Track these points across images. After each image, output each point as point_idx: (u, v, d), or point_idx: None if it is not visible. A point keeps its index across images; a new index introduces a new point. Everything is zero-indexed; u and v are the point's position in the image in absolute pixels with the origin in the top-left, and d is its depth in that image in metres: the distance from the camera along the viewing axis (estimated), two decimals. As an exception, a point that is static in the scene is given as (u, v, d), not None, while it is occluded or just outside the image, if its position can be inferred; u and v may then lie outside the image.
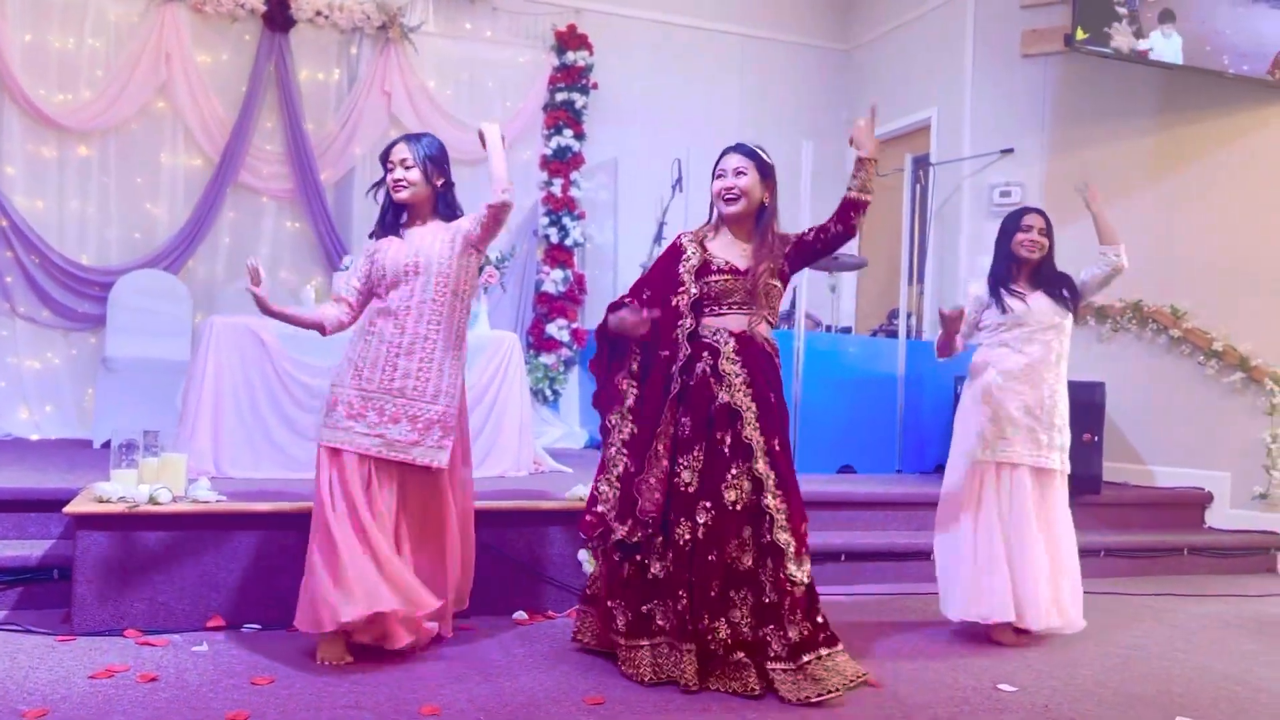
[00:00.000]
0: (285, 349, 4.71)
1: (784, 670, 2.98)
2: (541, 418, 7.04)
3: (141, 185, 6.60)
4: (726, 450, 3.09)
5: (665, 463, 3.13)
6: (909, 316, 6.78)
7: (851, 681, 2.98)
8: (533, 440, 5.46)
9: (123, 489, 3.49)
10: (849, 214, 3.21)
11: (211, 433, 4.55)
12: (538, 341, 7.30)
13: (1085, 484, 5.50)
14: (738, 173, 3.25)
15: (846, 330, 7.26)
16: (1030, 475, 3.78)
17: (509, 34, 7.44)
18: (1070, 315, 3.92)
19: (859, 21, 8.27)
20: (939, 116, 7.27)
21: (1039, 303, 3.87)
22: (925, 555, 4.84)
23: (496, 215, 3.27)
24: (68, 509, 3.45)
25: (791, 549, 3.03)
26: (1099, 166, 6.33)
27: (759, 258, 3.20)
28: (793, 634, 2.99)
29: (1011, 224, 3.94)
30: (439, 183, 3.36)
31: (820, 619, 3.06)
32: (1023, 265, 3.92)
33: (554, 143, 7.38)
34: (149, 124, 6.59)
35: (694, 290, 3.19)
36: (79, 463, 4.85)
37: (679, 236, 3.33)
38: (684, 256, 3.24)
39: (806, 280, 6.72)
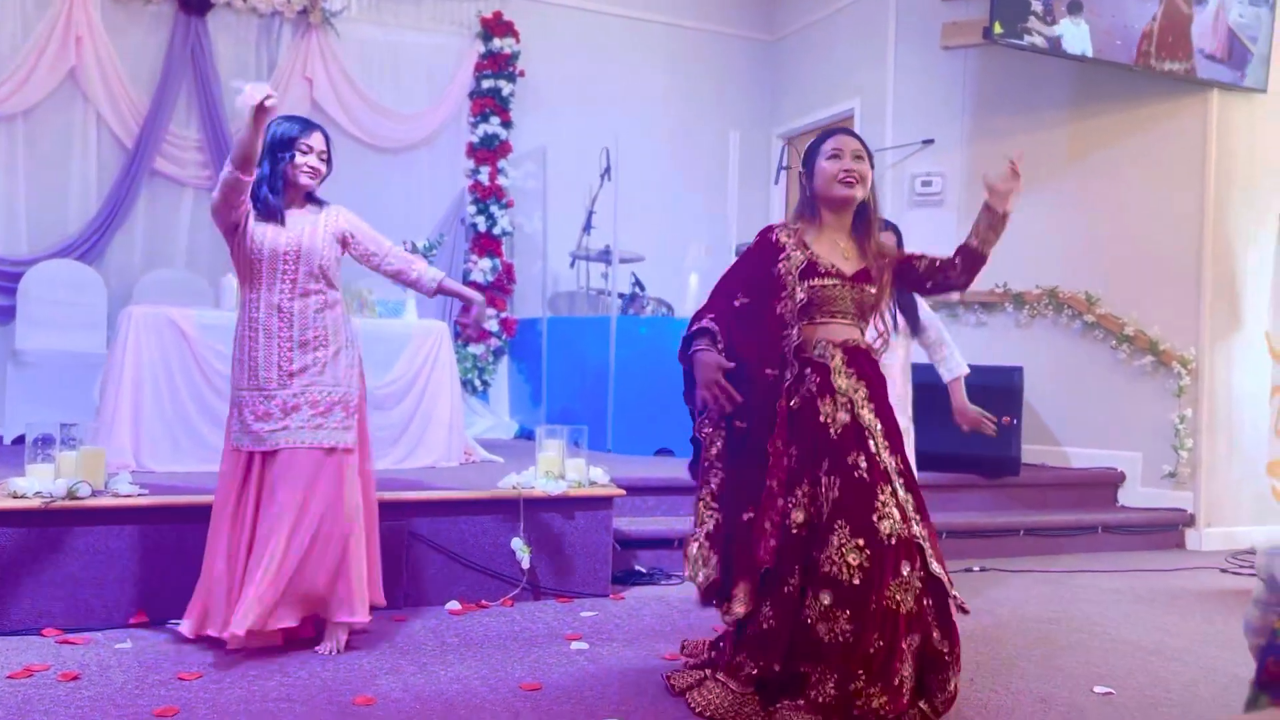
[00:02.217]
0: (206, 339, 4.61)
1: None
2: (471, 408, 6.99)
3: (52, 173, 6.37)
4: (865, 475, 2.63)
5: (780, 502, 2.67)
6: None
7: None
8: (464, 430, 5.43)
9: (39, 484, 3.38)
10: (973, 270, 2.86)
11: (131, 426, 4.43)
12: (466, 331, 7.23)
13: (1004, 466, 5.67)
14: (857, 156, 2.80)
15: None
16: None
17: (433, 20, 7.35)
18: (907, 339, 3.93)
19: (783, 12, 8.35)
20: (861, 107, 7.37)
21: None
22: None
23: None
24: (-20, 505, 3.33)
25: (946, 581, 2.66)
26: (1016, 157, 6.49)
27: (865, 262, 2.83)
28: (952, 685, 2.67)
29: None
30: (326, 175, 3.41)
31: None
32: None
33: (480, 130, 7.31)
34: (59, 109, 6.36)
35: (801, 296, 2.75)
36: (-10, 459, 4.69)
37: (771, 230, 2.87)
38: (783, 255, 2.78)
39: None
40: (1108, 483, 6.05)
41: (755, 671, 2.65)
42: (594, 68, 7.75)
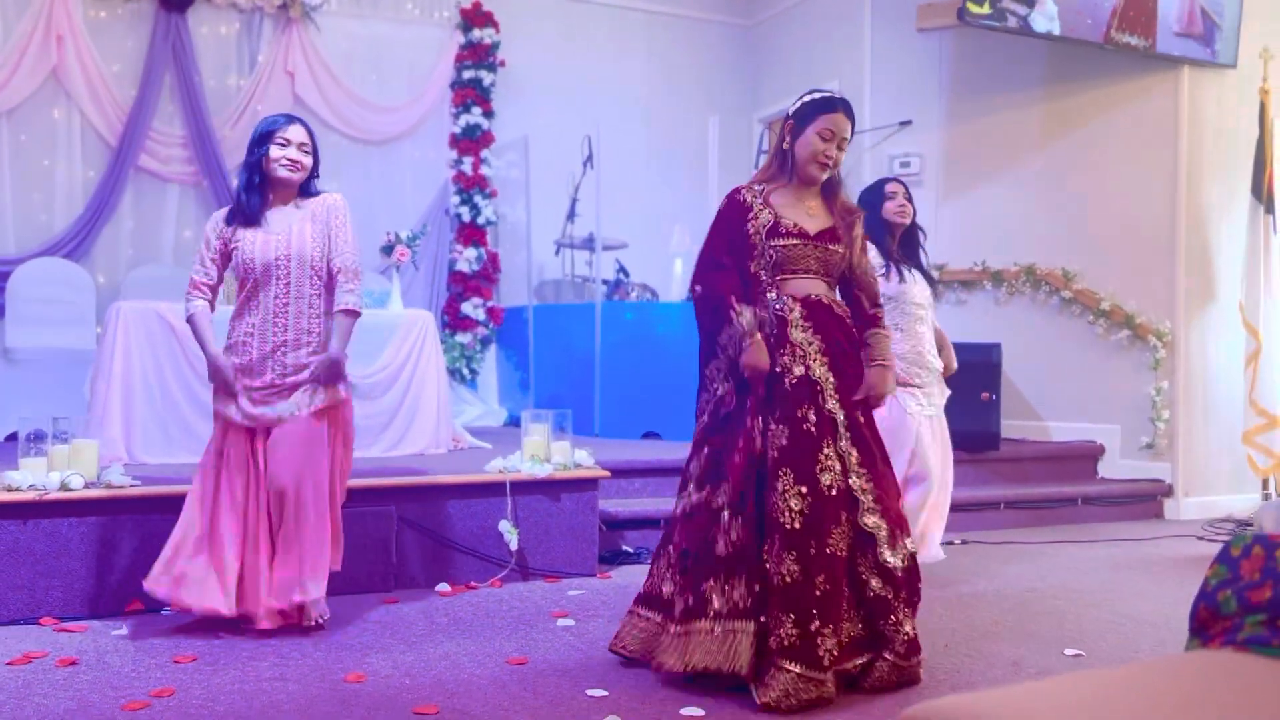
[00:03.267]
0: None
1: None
2: (460, 397, 7.06)
3: (37, 172, 6.41)
4: (813, 429, 2.75)
5: (749, 421, 2.79)
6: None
7: None
8: (451, 417, 5.50)
9: (32, 477, 3.45)
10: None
11: (122, 419, 4.50)
12: (453, 321, 7.30)
13: (984, 441, 5.76)
14: (843, 145, 2.91)
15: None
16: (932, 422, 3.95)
17: (413, 12, 7.39)
18: (933, 291, 4.03)
19: (761, -3, 8.41)
20: (840, 90, 7.43)
21: (918, 283, 3.91)
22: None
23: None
24: (-25, 499, 3.40)
25: (883, 533, 2.78)
26: (992, 136, 6.58)
27: (832, 220, 2.92)
28: (907, 628, 2.78)
29: (874, 195, 3.93)
30: (315, 172, 3.38)
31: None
32: (894, 232, 3.93)
33: (462, 121, 7.36)
34: (42, 109, 6.40)
35: (770, 253, 2.85)
36: (-17, 456, 4.74)
37: (738, 192, 2.94)
38: (751, 215, 2.87)
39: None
40: (1087, 455, 6.15)
41: (724, 598, 2.71)
42: (574, 56, 7.80)
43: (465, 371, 7.30)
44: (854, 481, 2.77)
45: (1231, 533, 5.29)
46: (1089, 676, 1.28)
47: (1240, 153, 5.99)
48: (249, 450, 3.29)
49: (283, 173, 3.26)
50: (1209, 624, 1.50)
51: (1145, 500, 5.89)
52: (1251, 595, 1.44)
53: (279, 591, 3.20)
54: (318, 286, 3.30)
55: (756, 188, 2.95)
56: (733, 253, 2.88)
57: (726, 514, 2.75)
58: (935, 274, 4.06)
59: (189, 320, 3.37)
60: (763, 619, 2.68)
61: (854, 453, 2.79)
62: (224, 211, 3.37)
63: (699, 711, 2.58)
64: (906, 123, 6.87)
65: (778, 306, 2.84)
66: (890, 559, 2.76)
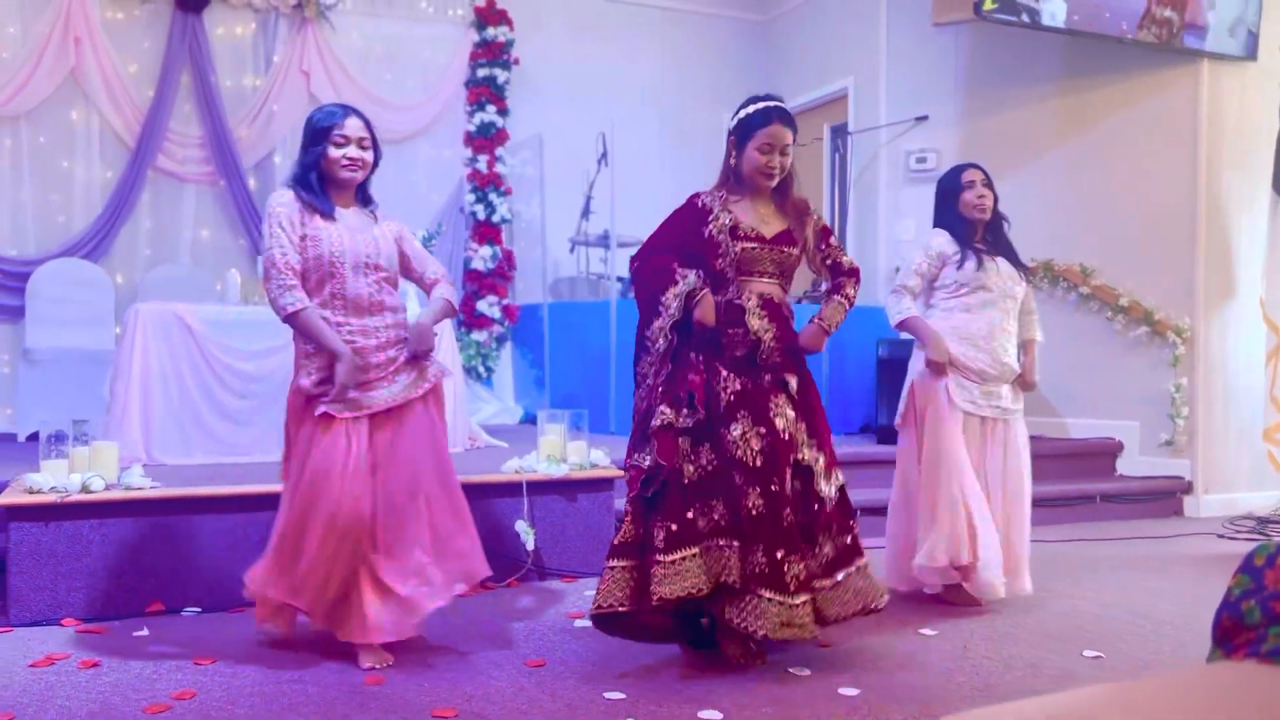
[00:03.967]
0: (212, 334, 4.70)
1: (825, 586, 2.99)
2: (476, 394, 7.08)
3: (56, 173, 6.46)
4: (765, 384, 3.00)
5: (700, 363, 3.00)
6: (832, 282, 6.94)
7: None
8: (468, 416, 5.52)
9: (54, 479, 3.48)
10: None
11: (141, 420, 4.53)
12: (469, 319, 7.32)
13: (1003, 438, 5.71)
14: (785, 151, 3.07)
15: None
16: (989, 424, 3.73)
17: (428, 10, 7.40)
18: (1025, 287, 3.81)
19: (776, -8, 8.39)
20: (855, 85, 7.41)
21: (1002, 267, 3.72)
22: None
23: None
24: (-2, 501, 3.43)
25: (821, 464, 3.03)
26: (1009, 131, 6.54)
27: (786, 223, 3.10)
28: (828, 549, 3.01)
29: (951, 183, 3.77)
30: (375, 165, 3.13)
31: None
32: (974, 228, 3.75)
33: (477, 119, 7.37)
34: (61, 110, 6.45)
35: (734, 251, 3.01)
36: (5, 455, 4.78)
37: (698, 197, 3.11)
38: (711, 217, 3.05)
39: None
40: (1106, 452, 6.12)
41: (697, 525, 2.90)
42: (588, 53, 7.80)
43: (481, 369, 7.32)
44: (793, 430, 3.01)
45: (1252, 530, 5.26)
46: (1109, 689, 1.27)
47: (1261, 147, 5.94)
48: (368, 445, 3.00)
49: (344, 174, 2.99)
50: (1232, 634, 1.48)
51: (1164, 498, 5.85)
52: (1276, 606, 1.42)
53: (464, 573, 3.11)
54: (395, 299, 3.11)
55: (717, 194, 3.10)
56: (679, 250, 3.05)
57: (689, 445, 2.96)
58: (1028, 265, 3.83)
59: (294, 316, 2.89)
60: (737, 543, 2.90)
61: (796, 405, 3.04)
62: (289, 195, 2.99)
63: (717, 715, 2.58)
64: (922, 118, 6.84)
65: (737, 300, 3.03)
66: (825, 489, 3.03)
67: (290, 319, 2.90)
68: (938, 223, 3.85)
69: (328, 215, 2.96)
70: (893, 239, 7.05)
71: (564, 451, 4.18)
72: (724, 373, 2.99)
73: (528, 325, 7.34)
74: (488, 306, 7.31)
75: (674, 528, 2.88)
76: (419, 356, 3.09)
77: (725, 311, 3.02)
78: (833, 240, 3.24)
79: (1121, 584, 4.14)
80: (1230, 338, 5.95)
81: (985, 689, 2.82)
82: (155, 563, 3.57)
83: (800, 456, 3.01)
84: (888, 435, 5.75)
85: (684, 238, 3.07)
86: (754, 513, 2.88)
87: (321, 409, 2.94)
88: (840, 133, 7.27)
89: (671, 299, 2.98)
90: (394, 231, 3.16)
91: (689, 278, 2.98)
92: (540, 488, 4.10)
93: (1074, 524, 5.50)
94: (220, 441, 4.66)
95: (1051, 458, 5.97)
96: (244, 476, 4.05)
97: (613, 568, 2.95)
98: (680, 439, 2.95)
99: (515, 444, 5.36)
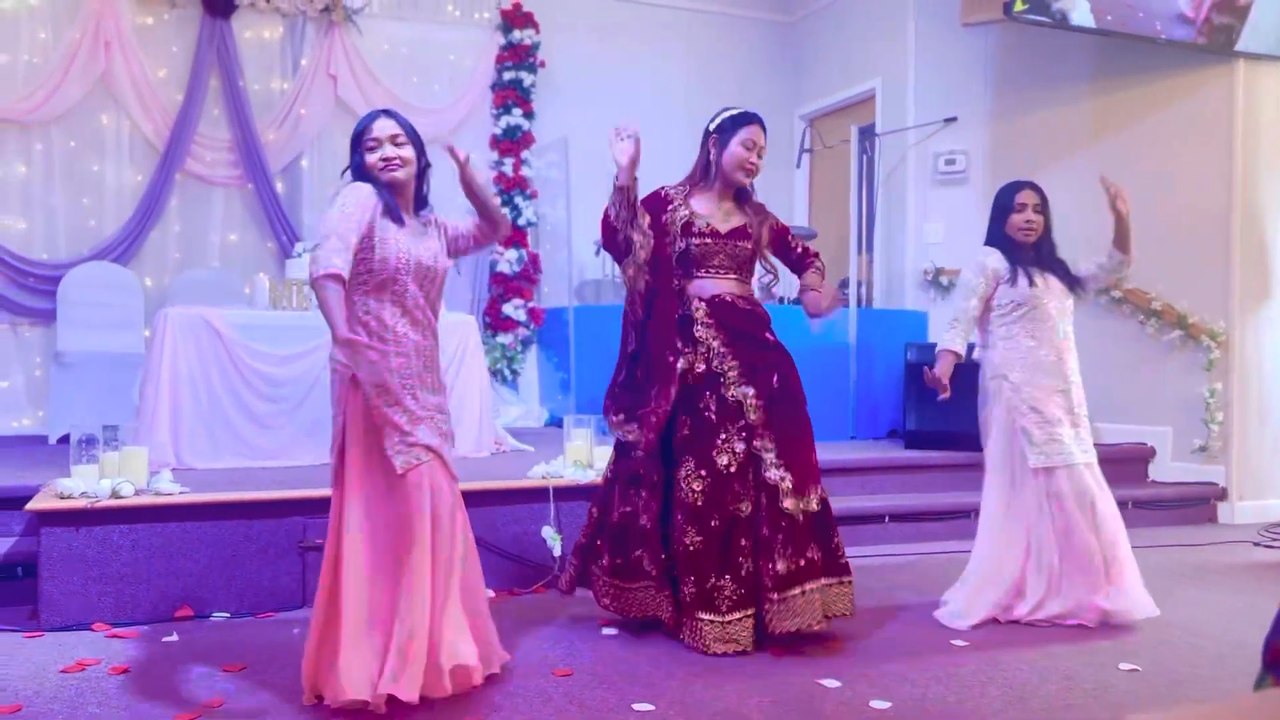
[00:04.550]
0: (241, 338, 4.71)
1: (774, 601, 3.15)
2: (501, 397, 7.08)
3: (86, 177, 6.51)
4: (713, 417, 3.19)
5: (666, 402, 3.23)
6: (859, 285, 6.89)
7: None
8: (493, 420, 5.51)
9: (84, 484, 3.50)
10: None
11: (170, 424, 4.55)
12: (495, 322, 7.32)
13: (1033, 443, 5.65)
14: (762, 153, 3.34)
15: (798, 300, 7.35)
16: (1082, 473, 3.62)
17: (454, 14, 7.41)
18: (1073, 298, 3.75)
19: (803, -7, 8.34)
20: (883, 86, 7.35)
21: (1053, 283, 3.67)
22: (880, 519, 4.99)
23: (482, 243, 3.14)
24: (30, 506, 3.45)
25: (788, 484, 3.17)
26: (1039, 132, 6.47)
27: (744, 219, 3.34)
28: (780, 566, 3.14)
29: (1005, 201, 3.72)
30: (423, 163, 2.97)
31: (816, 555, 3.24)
32: (1021, 250, 3.69)
33: (503, 122, 7.37)
34: (91, 114, 6.49)
35: (680, 245, 3.26)
36: (37, 459, 4.82)
37: (663, 189, 3.38)
38: (671, 207, 3.30)
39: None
40: (1138, 458, 6.04)
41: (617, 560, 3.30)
42: (614, 55, 7.78)
43: (507, 372, 7.31)
44: (758, 444, 3.19)
45: (1289, 538, 5.17)
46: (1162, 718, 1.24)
47: (1297, 148, 5.84)
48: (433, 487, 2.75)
49: (386, 176, 2.84)
50: (1283, 659, 1.44)
51: (1198, 504, 5.77)
52: (1328, 631, 1.38)
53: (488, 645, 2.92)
54: (439, 306, 2.97)
55: (680, 188, 3.37)
56: (649, 212, 3.27)
57: (645, 495, 3.25)
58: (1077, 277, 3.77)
59: (326, 278, 2.57)
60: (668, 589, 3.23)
61: (760, 422, 3.20)
62: (370, 191, 2.80)
63: (747, 727, 2.56)
64: (951, 119, 6.78)
65: (685, 311, 3.26)
66: (789, 507, 3.16)
67: (324, 278, 2.57)
68: (989, 237, 3.79)
69: (400, 221, 2.83)
70: (921, 242, 6.98)
71: (590, 457, 4.17)
72: (680, 417, 3.22)
73: (553, 328, 7.33)
74: (513, 309, 7.30)
75: (619, 561, 3.30)
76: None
77: (679, 325, 3.25)
78: (792, 233, 3.52)
79: (1156, 594, 4.05)
80: (1266, 342, 5.85)
81: (1020, 702, 2.78)
82: (184, 568, 3.58)
83: (765, 475, 3.18)
84: (915, 440, 5.71)
85: (652, 214, 3.29)
86: (691, 549, 3.15)
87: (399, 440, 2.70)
88: (868, 134, 7.21)
89: (617, 198, 3.22)
90: (442, 234, 3.02)
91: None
92: (567, 493, 4.09)
93: (1106, 531, 5.42)
94: (249, 445, 4.67)
95: (1083, 463, 5.90)
96: (272, 481, 4.07)
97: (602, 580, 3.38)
98: (631, 479, 3.30)
99: (541, 448, 5.35)
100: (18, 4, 6.31)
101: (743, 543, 3.15)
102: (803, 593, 3.14)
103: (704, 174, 3.37)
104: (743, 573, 3.15)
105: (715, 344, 3.24)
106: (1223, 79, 5.84)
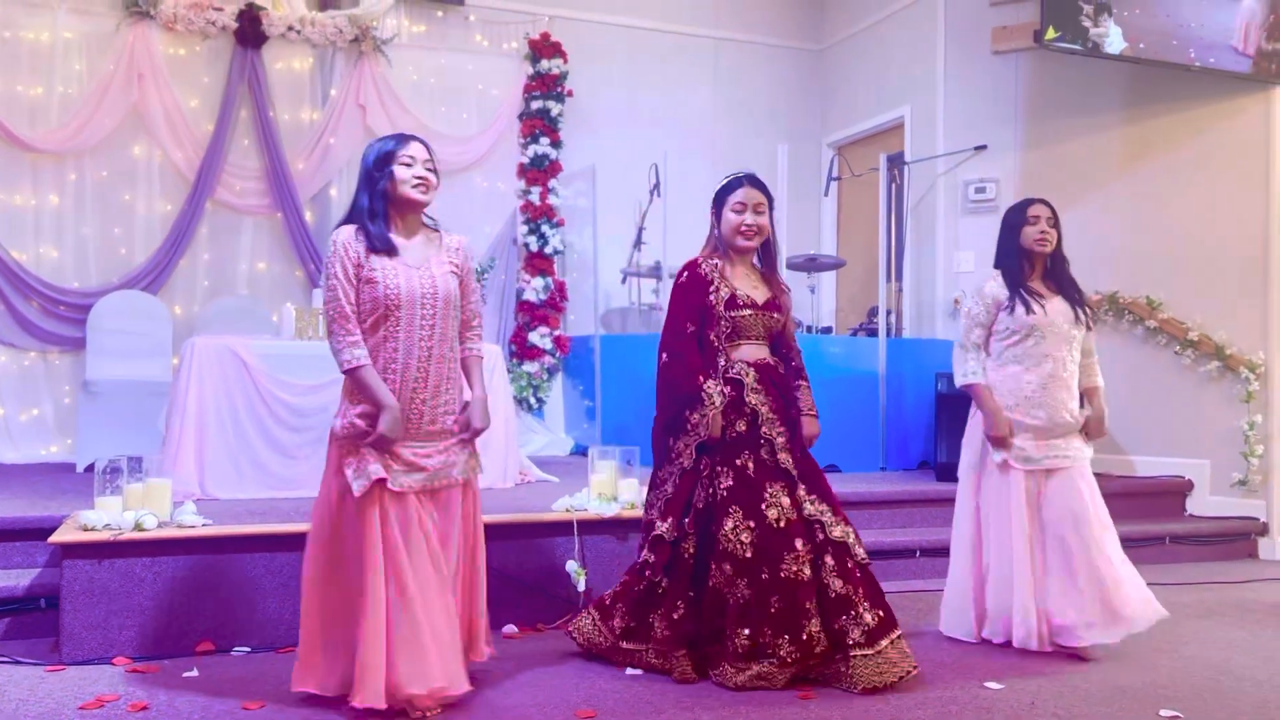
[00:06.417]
0: (267, 368, 4.71)
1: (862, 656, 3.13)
2: (526, 426, 7.05)
3: (118, 206, 6.57)
4: (752, 473, 3.21)
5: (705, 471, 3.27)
6: (888, 314, 6.82)
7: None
8: (518, 451, 5.47)
9: (107, 516, 3.49)
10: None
11: (196, 454, 4.54)
12: (521, 350, 7.31)
13: (1067, 476, 5.54)
14: (759, 210, 3.33)
15: (827, 330, 7.30)
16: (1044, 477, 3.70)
17: (482, 44, 7.45)
18: (1084, 329, 3.76)
19: (830, 21, 8.32)
20: (912, 114, 7.31)
21: (1057, 309, 3.68)
22: (910, 553, 4.90)
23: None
24: (53, 538, 3.44)
25: (851, 538, 3.23)
26: (1071, 161, 6.39)
27: (774, 292, 3.39)
28: (868, 618, 3.14)
29: (1016, 217, 3.76)
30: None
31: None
32: (1035, 260, 3.75)
33: (531, 151, 7.38)
34: (123, 144, 6.56)
35: (727, 325, 3.29)
36: (63, 488, 4.82)
37: (697, 265, 3.33)
38: (712, 288, 3.30)
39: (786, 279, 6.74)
40: (1175, 491, 5.91)
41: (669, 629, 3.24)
42: (641, 84, 7.79)
43: (532, 400, 7.29)
44: (810, 510, 3.21)
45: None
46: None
47: (1336, 176, 5.73)
48: (419, 516, 2.92)
49: (415, 194, 2.91)
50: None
51: (1238, 539, 5.63)
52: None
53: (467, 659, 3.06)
54: (455, 330, 3.03)
55: (713, 262, 3.34)
56: (696, 320, 3.28)
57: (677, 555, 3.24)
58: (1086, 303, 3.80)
59: (354, 371, 2.85)
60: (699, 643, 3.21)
61: (803, 487, 3.23)
62: (350, 232, 2.91)
63: (774, 775, 2.49)
64: (981, 147, 6.72)
65: (733, 372, 3.28)
66: (861, 554, 3.23)
67: (349, 373, 2.89)
68: (999, 255, 3.83)
69: (391, 252, 2.90)
70: (951, 271, 6.91)
71: (615, 489, 4.12)
72: (721, 471, 3.22)
73: (579, 356, 7.30)
74: (539, 338, 7.29)
75: (665, 631, 3.23)
76: (480, 427, 3.07)
77: (726, 387, 3.26)
78: (792, 324, 3.55)
79: (1197, 634, 3.96)
80: (1307, 373, 5.73)
81: (1056, 750, 2.69)
82: (206, 601, 3.56)
83: (832, 534, 3.20)
84: (946, 472, 5.62)
85: (699, 312, 3.29)
86: (741, 601, 3.12)
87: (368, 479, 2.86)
88: (896, 162, 7.16)
89: (698, 420, 3.21)
90: (456, 261, 3.06)
91: (714, 399, 3.20)
92: (591, 527, 4.04)
93: (1142, 566, 5.22)
94: (273, 476, 4.66)
95: (1118, 496, 5.74)
96: (295, 511, 4.04)
97: (595, 620, 3.42)
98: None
99: (566, 479, 5.30)
100: (53, 36, 6.40)
101: (806, 605, 3.12)
102: (891, 642, 3.15)
103: (715, 247, 3.41)
104: (804, 636, 3.10)
105: (764, 410, 3.26)
106: (1259, 106, 5.76)
